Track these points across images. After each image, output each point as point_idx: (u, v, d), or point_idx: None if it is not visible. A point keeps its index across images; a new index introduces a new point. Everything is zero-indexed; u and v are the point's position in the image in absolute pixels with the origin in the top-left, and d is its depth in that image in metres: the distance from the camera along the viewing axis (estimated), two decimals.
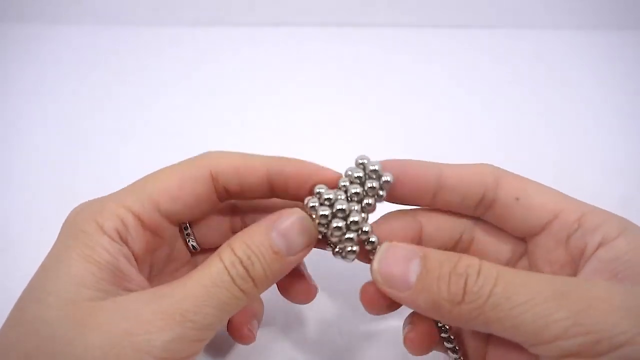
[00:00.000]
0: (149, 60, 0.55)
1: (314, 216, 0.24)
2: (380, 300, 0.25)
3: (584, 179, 0.43)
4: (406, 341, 0.26)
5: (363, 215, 0.25)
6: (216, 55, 0.56)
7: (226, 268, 0.22)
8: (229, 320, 0.28)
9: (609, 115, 0.49)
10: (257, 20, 0.59)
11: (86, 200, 0.26)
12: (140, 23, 0.59)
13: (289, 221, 0.23)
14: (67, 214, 0.25)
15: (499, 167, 0.26)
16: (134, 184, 0.26)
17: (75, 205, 0.25)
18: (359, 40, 0.58)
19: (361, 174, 0.25)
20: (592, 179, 0.43)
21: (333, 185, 0.25)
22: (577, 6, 0.58)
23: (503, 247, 0.27)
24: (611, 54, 0.56)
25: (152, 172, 0.26)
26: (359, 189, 0.25)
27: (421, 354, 0.27)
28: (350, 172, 0.25)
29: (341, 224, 0.24)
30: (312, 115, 0.50)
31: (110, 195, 0.25)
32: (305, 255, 0.25)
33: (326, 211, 0.24)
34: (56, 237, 0.24)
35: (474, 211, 0.26)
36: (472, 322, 0.21)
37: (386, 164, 0.25)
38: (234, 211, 0.29)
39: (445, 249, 0.26)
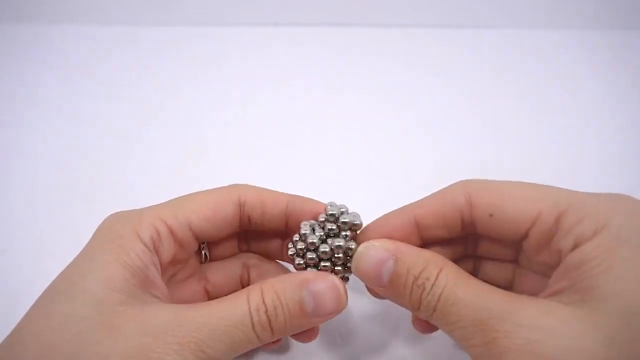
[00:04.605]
0: (149, 61, 0.55)
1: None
2: (430, 325, 0.26)
3: (584, 178, 0.43)
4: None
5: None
6: (218, 56, 0.56)
7: (250, 312, 0.23)
8: None
9: (609, 115, 0.49)
10: (256, 20, 0.59)
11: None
12: (140, 23, 0.59)
13: (324, 285, 0.24)
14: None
15: (470, 181, 0.26)
16: (171, 201, 0.28)
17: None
18: (357, 41, 0.58)
19: (333, 227, 0.27)
20: (592, 178, 0.43)
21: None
22: (577, 6, 0.58)
23: (504, 248, 0.27)
24: (612, 54, 0.56)
25: (188, 193, 0.28)
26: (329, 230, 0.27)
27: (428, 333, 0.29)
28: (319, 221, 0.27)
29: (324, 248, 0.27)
30: (311, 116, 0.50)
31: (147, 207, 0.27)
32: (329, 319, 0.25)
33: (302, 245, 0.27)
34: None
35: (463, 232, 0.27)
36: (430, 321, 0.24)
37: (361, 235, 0.27)
38: (243, 231, 0.31)
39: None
